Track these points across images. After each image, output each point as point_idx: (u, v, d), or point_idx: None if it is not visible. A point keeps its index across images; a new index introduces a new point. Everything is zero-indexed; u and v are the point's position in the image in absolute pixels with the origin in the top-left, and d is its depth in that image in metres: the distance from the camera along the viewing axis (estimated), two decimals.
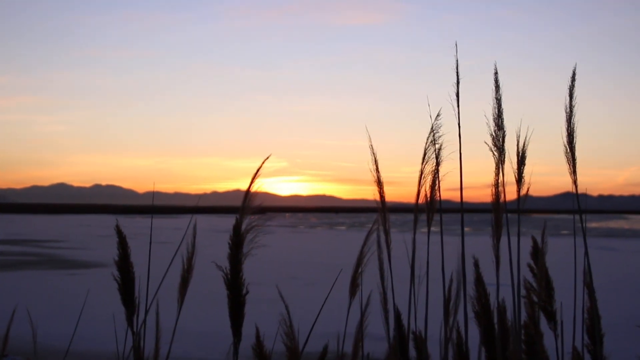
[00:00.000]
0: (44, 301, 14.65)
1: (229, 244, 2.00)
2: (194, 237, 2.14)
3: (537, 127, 2.24)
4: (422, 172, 2.15)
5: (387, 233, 2.10)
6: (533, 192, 2.23)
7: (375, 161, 2.11)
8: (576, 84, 2.26)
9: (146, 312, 2.22)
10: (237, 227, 2.01)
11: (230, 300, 1.97)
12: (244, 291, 1.97)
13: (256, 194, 2.19)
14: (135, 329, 2.14)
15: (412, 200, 2.36)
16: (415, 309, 2.08)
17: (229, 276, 1.97)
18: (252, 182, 2.12)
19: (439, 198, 2.17)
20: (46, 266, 23.82)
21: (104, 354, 10.22)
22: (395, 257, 2.27)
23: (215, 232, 47.92)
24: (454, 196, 2.24)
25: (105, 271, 21.98)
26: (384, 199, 2.14)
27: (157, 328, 2.08)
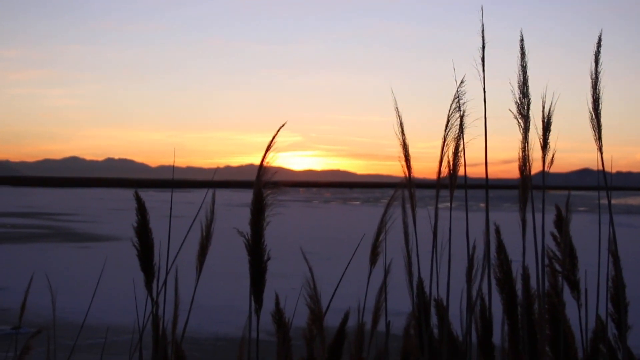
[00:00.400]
0: (59, 274, 14.75)
1: (250, 209, 1.99)
2: (213, 204, 2.13)
3: (557, 101, 2.22)
4: (444, 140, 2.13)
5: (412, 195, 2.09)
6: (549, 169, 2.21)
7: (402, 129, 2.09)
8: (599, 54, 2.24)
9: (165, 279, 2.22)
10: (258, 192, 2.00)
11: (252, 266, 1.97)
12: (266, 257, 1.97)
13: (270, 166, 2.18)
14: (154, 296, 2.15)
15: (429, 176, 2.35)
16: (437, 278, 2.07)
17: (251, 242, 1.97)
18: (270, 144, 2.11)
19: (463, 166, 2.16)
20: (60, 239, 23.96)
21: (120, 326, 10.28)
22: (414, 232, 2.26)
23: (229, 207, 48.03)
24: (473, 172, 2.20)
25: (119, 244, 22.09)
26: (410, 163, 2.13)
27: (176, 295, 2.08)
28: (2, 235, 24.91)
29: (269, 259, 1.98)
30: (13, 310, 11.25)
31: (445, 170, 2.14)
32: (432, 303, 2.07)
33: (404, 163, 2.12)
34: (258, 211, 1.98)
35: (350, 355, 2.12)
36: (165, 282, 2.24)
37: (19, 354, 2.70)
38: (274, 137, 2.12)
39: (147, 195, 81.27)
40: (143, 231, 2.09)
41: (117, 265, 16.46)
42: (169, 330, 2.25)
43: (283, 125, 2.15)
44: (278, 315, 2.02)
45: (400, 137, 2.11)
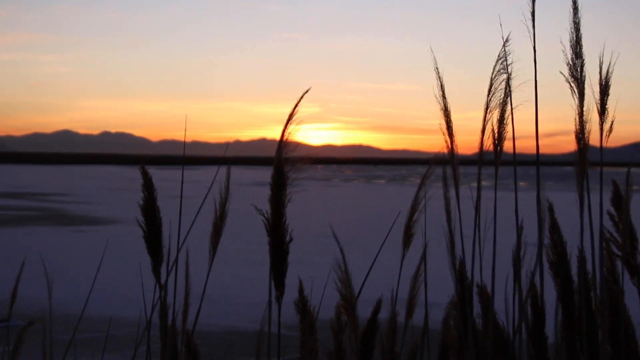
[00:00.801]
0: (51, 261, 14.80)
1: (270, 184, 1.99)
2: (228, 181, 2.13)
3: (615, 62, 2.19)
4: (487, 107, 2.11)
5: (455, 167, 2.07)
6: (596, 143, 2.18)
7: (443, 93, 2.06)
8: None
9: (175, 263, 2.22)
10: (279, 166, 1.99)
11: (272, 248, 1.96)
12: (288, 238, 1.96)
13: (290, 140, 2.17)
14: (162, 282, 2.15)
15: (462, 151, 2.33)
16: (481, 262, 2.06)
17: (271, 221, 1.96)
18: (293, 113, 2.10)
19: (507, 139, 2.13)
20: (51, 222, 24.10)
21: (121, 318, 10.36)
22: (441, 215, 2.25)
23: (240, 186, 48.09)
24: (507, 147, 2.19)
25: (117, 228, 22.20)
26: (452, 132, 2.10)
27: (187, 281, 2.08)
28: None
29: (291, 240, 1.97)
30: (0, 302, 11.35)
31: (488, 142, 2.12)
32: (475, 290, 2.06)
33: (445, 133, 2.09)
34: (279, 186, 1.97)
35: (381, 349, 2.11)
36: (175, 266, 2.24)
37: (11, 348, 2.71)
38: (296, 105, 2.11)
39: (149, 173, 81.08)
40: (150, 210, 2.08)
41: (115, 251, 16.56)
42: (178, 322, 2.25)
43: (307, 92, 2.13)
44: (302, 303, 2.02)
45: (442, 101, 2.08)
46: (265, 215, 1.97)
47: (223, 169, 2.23)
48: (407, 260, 2.23)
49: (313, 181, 65.44)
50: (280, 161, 2.00)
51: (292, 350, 2.24)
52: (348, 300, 1.88)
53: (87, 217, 26.03)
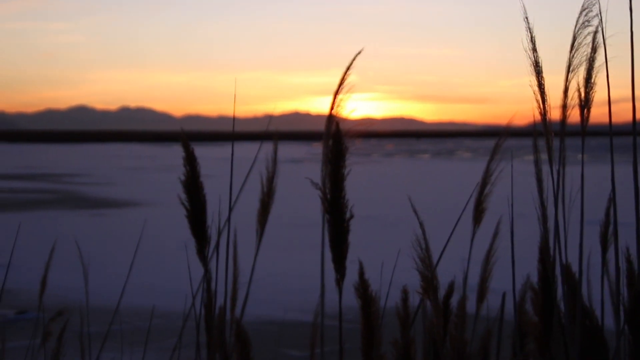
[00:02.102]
0: (69, 247, 14.85)
1: (327, 156, 1.96)
2: (275, 154, 2.10)
3: None
4: (569, 65, 2.05)
5: (548, 134, 2.02)
6: None
7: (533, 45, 2.00)
8: None
9: (219, 243, 2.20)
10: (337, 134, 1.96)
11: (331, 226, 1.93)
12: (348, 215, 1.93)
13: (338, 112, 2.14)
14: (208, 266, 2.12)
15: (515, 121, 2.27)
16: (566, 239, 2.02)
17: (329, 196, 1.93)
18: (344, 78, 2.07)
19: (575, 107, 2.07)
20: (68, 205, 24.27)
21: (148, 308, 10.40)
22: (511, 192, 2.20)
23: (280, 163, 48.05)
24: (575, 114, 2.12)
25: (139, 211, 22.31)
26: (545, 95, 2.03)
27: (235, 264, 2.05)
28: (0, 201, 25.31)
29: (351, 216, 1.94)
30: (17, 292, 11.42)
31: (571, 106, 2.05)
32: (559, 270, 2.01)
33: (537, 94, 2.04)
34: (337, 157, 1.94)
35: (450, 337, 2.08)
36: (217, 250, 2.22)
37: (40, 340, 2.72)
38: (348, 69, 2.07)
39: (171, 151, 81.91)
40: (193, 186, 2.05)
41: (138, 235, 16.63)
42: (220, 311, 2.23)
43: (359, 53, 2.10)
44: (362, 288, 1.99)
45: (532, 55, 2.02)
46: (323, 190, 1.94)
47: (247, 146, 2.20)
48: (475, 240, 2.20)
49: (351, 157, 65.32)
50: (339, 131, 1.97)
51: (349, 340, 2.21)
52: (429, 281, 1.84)
53: (108, 200, 26.18)
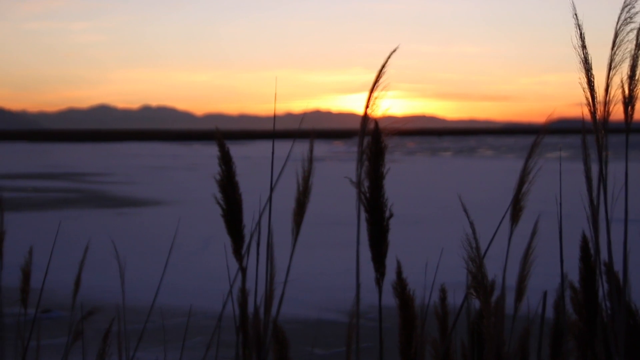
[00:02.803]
0: (92, 246, 14.83)
1: (366, 154, 1.95)
2: (311, 151, 2.09)
3: None
4: (611, 62, 2.02)
5: (599, 131, 2.00)
6: None
7: (582, 41, 1.98)
8: None
9: (251, 244, 2.19)
10: (376, 133, 1.95)
11: (371, 225, 1.93)
12: (387, 214, 1.92)
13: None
14: (244, 265, 2.12)
15: (535, 119, 2.26)
16: (609, 238, 2.00)
17: (368, 195, 1.92)
18: (380, 75, 2.06)
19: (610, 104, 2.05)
20: (92, 204, 24.33)
21: (174, 308, 10.41)
22: (543, 189, 2.19)
23: (296, 161, 48.06)
24: (588, 113, 2.09)
25: (163, 210, 22.35)
26: (594, 91, 2.01)
27: (271, 263, 2.04)
28: (23, 201, 25.38)
29: (391, 215, 1.93)
30: (40, 291, 11.46)
31: (614, 102, 2.03)
32: (602, 269, 1.99)
33: (587, 91, 2.02)
34: (377, 155, 1.93)
35: (486, 336, 2.05)
36: (248, 248, 2.21)
37: (71, 339, 2.72)
38: (384, 66, 2.06)
39: (193, 150, 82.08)
40: (229, 185, 2.05)
41: (162, 234, 16.68)
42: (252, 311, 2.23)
43: (394, 51, 2.08)
44: (400, 287, 1.98)
45: (581, 52, 2.01)
46: (362, 189, 1.93)
47: (270, 144, 2.19)
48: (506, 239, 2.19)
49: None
50: (378, 130, 1.96)
51: (386, 339, 2.20)
52: (479, 280, 1.83)
53: (131, 199, 26.23)
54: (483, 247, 1.98)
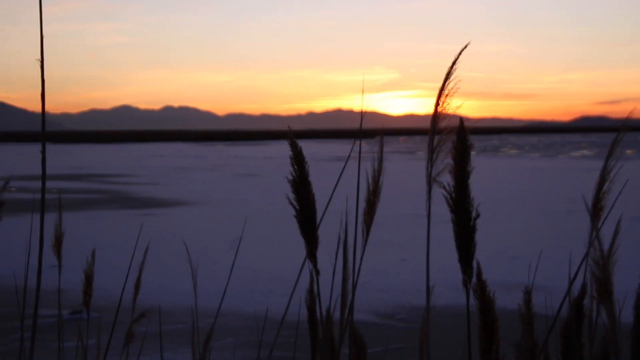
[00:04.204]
0: (123, 248, 14.78)
1: (452, 152, 1.90)
2: (381, 150, 2.05)
3: None
4: None
5: None
6: None
7: None
8: None
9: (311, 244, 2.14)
10: (462, 130, 1.90)
11: (457, 226, 1.88)
12: (474, 214, 1.87)
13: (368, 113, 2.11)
14: (318, 268, 2.07)
15: (557, 117, 2.21)
16: None
17: (454, 195, 1.87)
18: (450, 72, 2.00)
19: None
20: (117, 205, 24.37)
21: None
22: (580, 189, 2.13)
23: (318, 161, 48.14)
24: (610, 111, 2.05)
25: (188, 210, 22.35)
26: None
27: (345, 263, 1.99)
28: (48, 202, 25.39)
29: (478, 216, 1.88)
30: (71, 292, 11.44)
31: (589, 106, 1.97)
32: None
33: None
34: (462, 154, 1.88)
35: (561, 339, 2.00)
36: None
37: (125, 342, 2.69)
38: (454, 63, 2.00)
39: (215, 150, 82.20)
40: (303, 185, 1.99)
41: (187, 236, 16.66)
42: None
43: (466, 47, 2.03)
44: (481, 289, 1.92)
45: None
46: (447, 188, 1.88)
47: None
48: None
49: (396, 154, 65.20)
50: (462, 126, 1.91)
51: (403, 340, 2.14)
52: (603, 283, 1.77)
53: (156, 200, 26.25)
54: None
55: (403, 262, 13.40)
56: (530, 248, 14.35)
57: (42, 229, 2.08)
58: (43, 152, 1.97)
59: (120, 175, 39.95)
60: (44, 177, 2.03)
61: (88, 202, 25.42)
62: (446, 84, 2.03)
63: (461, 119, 1.93)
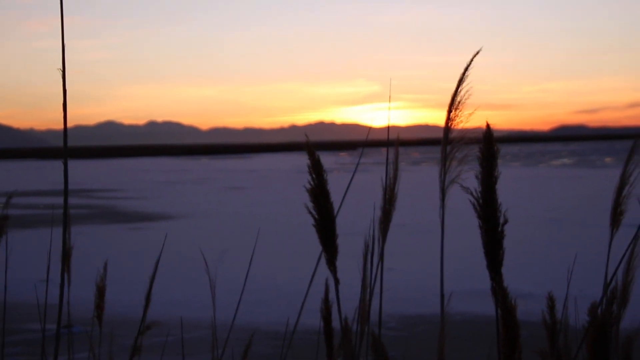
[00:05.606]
0: (115, 262, 14.66)
1: (478, 158, 1.87)
2: (397, 159, 2.02)
3: None
4: None
5: None
6: None
7: None
8: None
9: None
10: (489, 134, 1.87)
11: (485, 232, 1.84)
12: (502, 220, 1.84)
13: (348, 123, 2.09)
14: (338, 277, 2.03)
15: (536, 126, 2.20)
16: None
17: (481, 201, 1.84)
18: (459, 87, 1.98)
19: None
20: (103, 220, 24.27)
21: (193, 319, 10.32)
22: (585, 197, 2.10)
23: (301, 173, 48.04)
24: (588, 120, 2.03)
25: (174, 224, 22.27)
26: None
27: (365, 272, 1.96)
28: (36, 217, 25.31)
29: (506, 221, 1.84)
30: (58, 307, 11.36)
31: (567, 115, 1.95)
32: None
33: None
34: (488, 159, 1.85)
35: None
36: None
37: (130, 355, 2.65)
38: (464, 73, 1.97)
39: (200, 164, 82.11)
40: (322, 194, 1.96)
41: (176, 248, 16.59)
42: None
43: (477, 54, 2.00)
44: (502, 296, 1.89)
45: None
46: (474, 194, 1.85)
47: (275, 157, 2.11)
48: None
49: (378, 165, 65.19)
50: (491, 134, 1.89)
51: (394, 349, 2.10)
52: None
53: (142, 214, 26.16)
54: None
55: (390, 272, 13.37)
56: (526, 256, 14.37)
57: (65, 242, 2.03)
58: (65, 165, 1.93)
59: (107, 190, 39.80)
60: (66, 191, 1.98)
61: (76, 217, 25.28)
62: (457, 94, 2.00)
63: (488, 125, 1.90)
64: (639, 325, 2.16)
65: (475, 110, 2.02)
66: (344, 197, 2.33)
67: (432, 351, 8.52)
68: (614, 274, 1.97)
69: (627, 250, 1.96)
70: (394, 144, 2.17)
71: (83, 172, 66.85)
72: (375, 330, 2.22)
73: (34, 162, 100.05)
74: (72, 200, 32.98)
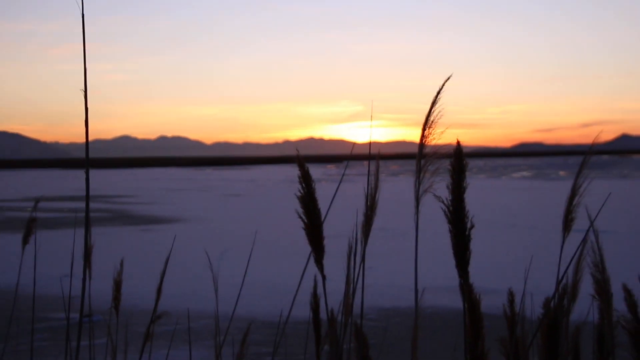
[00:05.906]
0: (132, 259, 14.65)
1: (449, 170, 1.89)
2: (377, 171, 2.03)
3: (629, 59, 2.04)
4: None
5: None
6: (631, 131, 2.05)
7: None
8: None
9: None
10: (459, 151, 1.90)
11: (454, 236, 1.86)
12: (469, 225, 1.86)
13: (334, 139, 2.10)
14: (325, 274, 2.04)
15: (502, 144, 2.23)
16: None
17: (451, 209, 1.86)
18: (431, 110, 2.00)
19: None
20: (120, 222, 24.22)
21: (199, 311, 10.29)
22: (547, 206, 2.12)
23: (293, 183, 48.00)
24: (545, 138, 2.06)
25: (182, 226, 22.24)
26: None
27: (350, 269, 1.96)
28: (60, 220, 25.27)
29: (472, 226, 1.86)
30: (80, 298, 11.32)
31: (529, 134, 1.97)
32: None
33: None
34: (459, 171, 1.88)
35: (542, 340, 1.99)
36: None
37: (143, 341, 2.64)
38: (438, 94, 1.99)
39: (205, 174, 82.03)
40: (310, 201, 1.98)
41: (182, 248, 16.56)
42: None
43: (449, 79, 2.02)
44: (468, 291, 1.90)
45: None
46: (445, 202, 1.87)
47: (270, 169, 2.12)
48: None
49: (362, 176, 65.20)
50: (459, 148, 1.91)
51: (375, 337, 2.11)
52: (602, 285, 1.75)
53: (153, 217, 26.12)
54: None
55: (371, 270, 13.38)
56: (489, 257, 14.39)
57: (87, 241, 2.03)
58: (87, 174, 1.93)
59: (123, 196, 39.72)
60: (87, 197, 1.98)
61: (96, 220, 25.25)
62: (431, 112, 2.02)
63: (458, 142, 1.93)
64: (586, 318, 2.17)
65: (446, 128, 2.04)
66: (330, 204, 2.34)
67: (407, 339, 8.55)
68: (565, 272, 1.99)
69: (576, 252, 1.98)
70: (375, 157, 2.18)
71: (102, 180, 66.69)
72: (357, 321, 2.23)
73: (59, 171, 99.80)
74: (92, 205, 32.92)
